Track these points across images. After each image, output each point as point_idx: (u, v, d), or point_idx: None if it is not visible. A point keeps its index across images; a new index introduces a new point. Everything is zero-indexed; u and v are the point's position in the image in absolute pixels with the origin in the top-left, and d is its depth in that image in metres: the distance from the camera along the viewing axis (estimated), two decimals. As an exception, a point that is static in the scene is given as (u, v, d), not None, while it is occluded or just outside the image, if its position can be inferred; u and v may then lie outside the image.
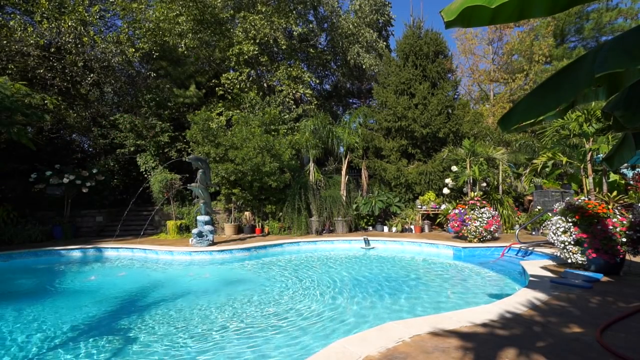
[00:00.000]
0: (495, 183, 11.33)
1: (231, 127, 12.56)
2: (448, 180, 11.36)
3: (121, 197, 14.53)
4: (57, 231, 11.41)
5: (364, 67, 16.63)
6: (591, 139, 8.67)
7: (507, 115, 2.06)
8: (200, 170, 9.62)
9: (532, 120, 1.93)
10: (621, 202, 7.24)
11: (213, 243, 9.43)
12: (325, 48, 18.37)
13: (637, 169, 11.85)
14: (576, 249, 5.23)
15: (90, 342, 3.87)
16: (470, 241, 8.54)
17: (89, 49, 12.04)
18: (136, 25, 13.77)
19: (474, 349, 2.80)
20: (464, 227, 8.60)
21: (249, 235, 11.37)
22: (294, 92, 14.80)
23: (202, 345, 3.72)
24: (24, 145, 9.94)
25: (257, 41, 14.12)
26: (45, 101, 11.19)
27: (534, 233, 9.62)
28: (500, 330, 3.19)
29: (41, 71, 11.64)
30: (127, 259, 8.99)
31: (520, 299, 4.05)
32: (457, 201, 11.02)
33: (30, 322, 4.60)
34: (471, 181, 10.81)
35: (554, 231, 5.47)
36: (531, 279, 5.04)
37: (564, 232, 5.33)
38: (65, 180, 11.36)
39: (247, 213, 12.28)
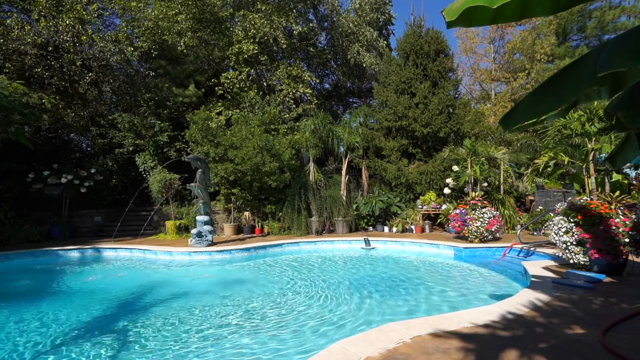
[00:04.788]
0: (497, 183, 11.28)
1: (231, 127, 12.52)
2: (449, 180, 11.32)
3: (120, 197, 14.51)
4: (55, 231, 11.38)
5: (364, 66, 16.58)
6: (593, 139, 8.61)
7: (509, 114, 2.03)
8: (200, 170, 9.58)
9: (534, 120, 1.90)
10: (624, 202, 7.17)
11: (212, 243, 9.40)
12: (326, 47, 18.31)
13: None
14: (578, 250, 5.19)
15: (88, 343, 3.83)
16: (471, 241, 8.50)
17: (87, 48, 11.99)
18: (135, 24, 13.73)
19: (475, 350, 2.77)
20: (465, 227, 8.56)
21: (248, 236, 11.33)
22: (293, 91, 14.75)
23: (201, 346, 3.69)
24: (22, 145, 9.92)
25: (257, 40, 14.06)
26: (43, 100, 11.16)
27: (535, 233, 9.58)
28: (502, 331, 3.16)
29: (39, 70, 11.60)
30: (125, 260, 8.95)
31: (522, 300, 4.02)
32: (458, 201, 10.98)
33: (28, 323, 4.56)
34: (472, 181, 10.77)
35: (556, 231, 5.43)
36: (533, 279, 5.01)
37: (566, 232, 5.28)
38: (64, 180, 11.34)
39: (246, 213, 12.25)
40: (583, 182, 9.99)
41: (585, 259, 5.16)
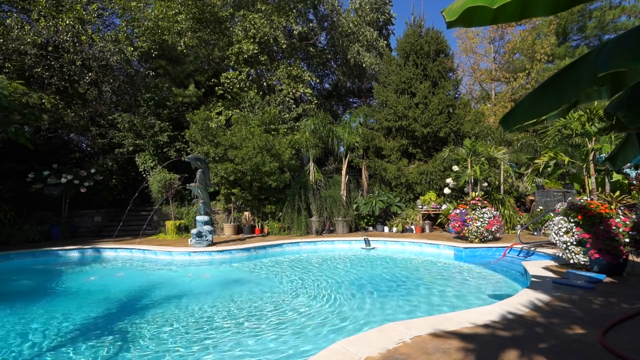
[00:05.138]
0: (497, 183, 11.28)
1: (231, 127, 12.52)
2: (449, 180, 11.31)
3: (120, 197, 14.49)
4: (54, 231, 11.37)
5: (364, 66, 16.58)
6: (593, 139, 8.61)
7: (509, 114, 2.03)
8: (200, 170, 9.58)
9: (534, 120, 1.90)
10: (624, 202, 7.18)
11: (212, 243, 9.39)
12: (326, 47, 18.31)
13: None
14: (578, 250, 5.19)
15: (88, 344, 3.83)
16: (471, 241, 8.50)
17: (87, 48, 11.98)
18: (135, 24, 13.72)
19: (475, 350, 2.77)
20: (465, 228, 8.55)
21: (248, 236, 11.33)
22: (293, 91, 14.75)
23: (201, 346, 3.69)
24: (22, 145, 9.91)
25: (257, 40, 14.06)
26: (43, 100, 11.16)
27: (535, 233, 9.58)
28: (502, 331, 3.16)
29: (39, 70, 11.59)
30: (125, 260, 8.95)
31: (522, 300, 4.01)
32: (458, 201, 10.98)
33: (28, 323, 4.56)
34: (472, 181, 10.76)
35: (556, 231, 5.43)
36: (533, 279, 5.00)
37: (566, 232, 5.28)
38: (63, 180, 11.33)
39: (246, 213, 12.25)
40: (583, 182, 9.99)
41: (585, 259, 5.16)
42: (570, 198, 7.32)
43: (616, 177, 10.53)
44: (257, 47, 13.91)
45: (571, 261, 5.34)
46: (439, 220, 11.63)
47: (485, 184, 11.07)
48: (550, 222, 5.74)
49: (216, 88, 14.56)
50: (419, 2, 40.95)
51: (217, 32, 14.49)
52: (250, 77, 15.05)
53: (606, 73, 1.41)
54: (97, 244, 10.15)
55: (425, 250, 8.86)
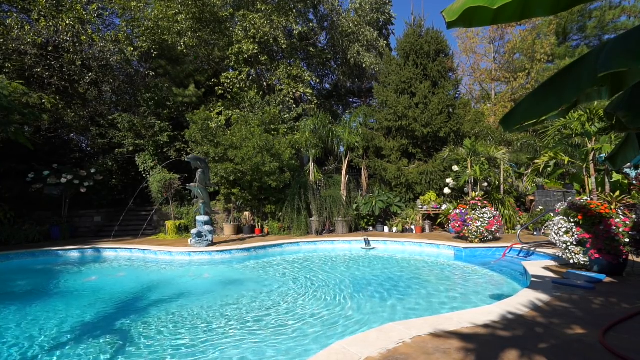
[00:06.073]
0: (497, 183, 11.27)
1: (231, 127, 12.52)
2: (449, 180, 11.31)
3: (119, 197, 14.49)
4: (54, 231, 11.37)
5: (364, 66, 16.57)
6: (594, 139, 8.60)
7: (509, 114, 2.03)
8: (200, 170, 9.58)
9: (534, 120, 1.90)
10: (624, 202, 7.18)
11: (212, 243, 9.40)
12: (326, 47, 18.31)
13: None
14: (578, 250, 5.19)
15: (88, 344, 3.83)
16: (471, 241, 8.50)
17: (87, 48, 11.98)
18: (135, 24, 13.73)
19: (475, 350, 2.77)
20: (465, 228, 8.55)
21: (248, 236, 11.33)
22: (294, 91, 14.75)
23: (202, 346, 3.69)
24: (22, 145, 9.91)
25: (257, 40, 14.06)
26: (43, 100, 11.16)
27: (535, 233, 9.58)
28: (502, 331, 3.16)
29: (39, 70, 11.60)
30: (125, 260, 8.96)
31: (522, 300, 4.01)
32: (458, 201, 10.97)
33: (27, 323, 4.56)
34: (472, 181, 10.76)
35: (556, 231, 5.43)
36: (533, 279, 5.00)
37: (566, 232, 5.28)
38: (63, 180, 11.33)
39: (246, 213, 12.25)
40: (583, 182, 9.98)
41: (585, 259, 5.16)
42: (570, 198, 7.32)
43: (616, 177, 10.53)
44: (257, 47, 13.90)
45: (571, 261, 5.34)
46: (439, 220, 11.63)
47: (485, 184, 11.07)
48: (550, 222, 5.74)
49: (216, 88, 14.56)
50: (419, 2, 40.91)
51: (217, 32, 14.49)
52: (250, 77, 15.05)
53: (606, 73, 1.41)
54: (97, 244, 10.15)
55: (425, 250, 8.86)
